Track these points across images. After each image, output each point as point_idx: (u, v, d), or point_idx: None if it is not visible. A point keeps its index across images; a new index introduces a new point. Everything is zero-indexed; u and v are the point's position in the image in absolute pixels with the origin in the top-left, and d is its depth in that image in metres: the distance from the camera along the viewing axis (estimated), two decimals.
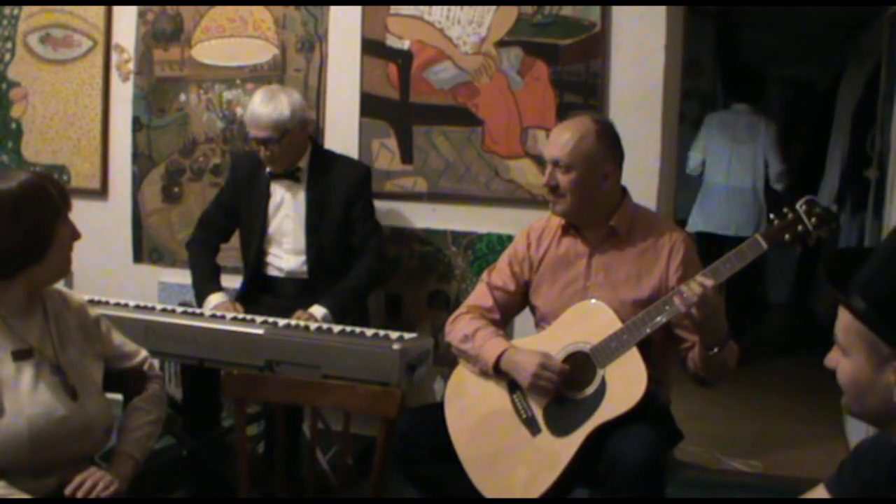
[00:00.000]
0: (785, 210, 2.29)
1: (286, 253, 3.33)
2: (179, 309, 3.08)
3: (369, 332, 2.84)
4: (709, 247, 4.69)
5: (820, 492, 1.52)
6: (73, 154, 4.12)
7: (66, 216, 2.00)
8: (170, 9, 3.92)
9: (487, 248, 3.59)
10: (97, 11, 4.02)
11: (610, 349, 2.31)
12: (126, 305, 3.07)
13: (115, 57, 4.04)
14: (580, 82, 3.43)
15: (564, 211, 2.48)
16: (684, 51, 3.75)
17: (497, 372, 2.43)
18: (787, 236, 2.27)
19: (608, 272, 2.47)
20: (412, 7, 3.61)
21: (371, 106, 3.70)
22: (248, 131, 3.26)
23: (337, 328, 2.91)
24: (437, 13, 3.59)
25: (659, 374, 2.42)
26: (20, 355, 1.94)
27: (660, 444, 2.27)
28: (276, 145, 3.16)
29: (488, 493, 2.37)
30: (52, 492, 1.94)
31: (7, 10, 4.15)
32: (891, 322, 1.22)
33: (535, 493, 2.30)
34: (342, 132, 3.72)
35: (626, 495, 2.19)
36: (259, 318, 2.96)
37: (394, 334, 2.80)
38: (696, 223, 5.28)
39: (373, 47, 3.67)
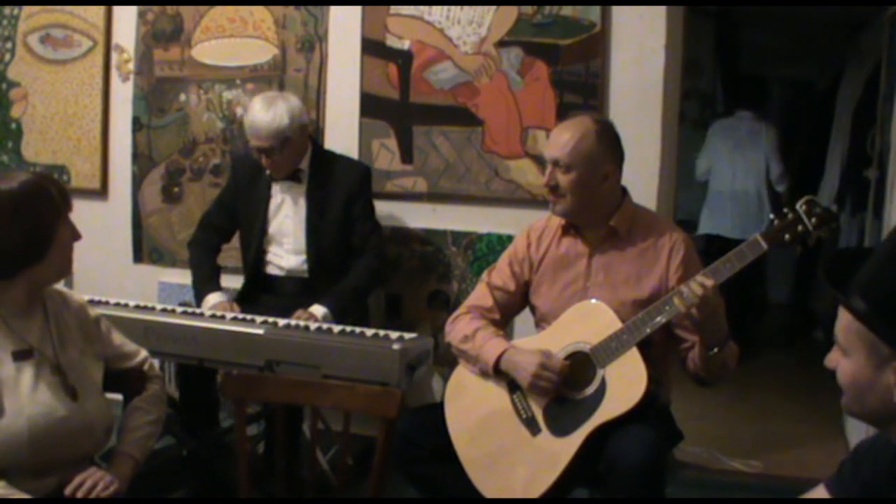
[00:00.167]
0: (785, 210, 2.29)
1: (286, 252, 3.33)
2: (179, 309, 3.08)
3: (369, 332, 2.84)
4: (717, 250, 4.71)
5: (820, 492, 1.52)
6: (73, 154, 4.12)
7: (66, 216, 2.00)
8: (170, 9, 3.92)
9: (487, 248, 3.59)
10: (97, 11, 4.02)
11: (610, 349, 2.31)
12: (126, 305, 3.07)
13: (115, 57, 4.04)
14: (580, 82, 3.43)
15: (564, 211, 2.48)
16: (684, 51, 3.75)
17: (497, 372, 2.43)
18: (787, 236, 2.27)
19: (608, 272, 2.47)
20: (412, 7, 3.61)
21: (371, 106, 3.70)
22: (248, 140, 3.25)
23: (337, 328, 2.91)
24: (437, 13, 3.59)
25: (659, 374, 2.42)
26: (20, 355, 1.94)
27: (660, 444, 2.27)
28: (278, 153, 3.17)
29: (488, 493, 2.37)
30: (52, 492, 1.94)
31: (7, 10, 4.15)
32: (891, 322, 1.22)
33: (535, 493, 2.30)
34: (342, 132, 3.72)
35: (626, 495, 2.19)
36: (259, 318, 2.96)
37: (394, 334, 2.80)
38: (704, 226, 5.49)
39: (373, 47, 3.67)
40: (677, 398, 2.58)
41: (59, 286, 2.11)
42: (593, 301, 2.42)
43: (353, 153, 3.63)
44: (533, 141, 3.51)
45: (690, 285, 2.21)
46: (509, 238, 3.10)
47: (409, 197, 3.68)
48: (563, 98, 3.45)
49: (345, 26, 3.71)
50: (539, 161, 3.42)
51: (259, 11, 3.81)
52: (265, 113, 3.13)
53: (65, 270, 2.02)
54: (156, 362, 2.36)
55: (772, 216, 2.31)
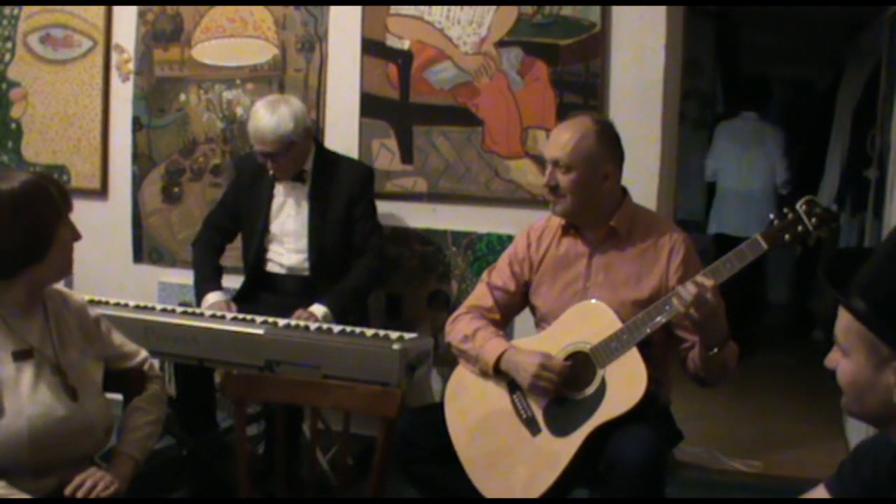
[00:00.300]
0: (785, 210, 2.29)
1: (287, 251, 3.34)
2: (179, 309, 3.08)
3: (369, 332, 2.84)
4: (725, 248, 4.73)
5: (820, 492, 1.52)
6: (73, 154, 4.11)
7: (66, 217, 2.00)
8: (170, 9, 3.92)
9: (487, 248, 3.59)
10: (97, 11, 4.02)
11: (610, 349, 2.31)
12: (126, 305, 3.07)
13: (115, 57, 4.04)
14: (580, 82, 3.43)
15: (564, 211, 2.48)
16: (684, 51, 3.75)
17: (497, 372, 2.43)
18: (787, 236, 2.27)
19: (608, 272, 2.47)
20: (412, 7, 3.61)
21: (371, 106, 3.70)
22: (252, 145, 3.26)
23: (337, 328, 2.91)
24: (437, 13, 3.59)
25: (659, 374, 2.42)
26: (20, 355, 1.94)
27: (660, 444, 2.27)
28: (283, 157, 3.18)
29: (488, 494, 2.37)
30: (52, 492, 1.94)
31: (7, 10, 4.15)
32: (891, 322, 1.22)
33: (535, 493, 2.30)
34: (342, 132, 3.72)
35: (626, 495, 2.19)
36: (259, 318, 2.96)
37: (394, 334, 2.80)
38: (712, 226, 5.66)
39: (373, 47, 3.67)
40: (677, 398, 2.58)
41: (60, 286, 2.11)
42: (593, 301, 2.41)
43: (353, 153, 3.63)
44: (533, 141, 3.51)
45: (690, 286, 2.21)
46: (509, 238, 3.10)
47: (409, 197, 3.68)
48: (563, 98, 3.45)
49: (345, 26, 3.71)
50: (539, 161, 3.42)
51: (259, 11, 3.81)
52: (269, 118, 3.13)
53: (65, 270, 2.02)
54: (156, 362, 2.36)
55: (772, 216, 2.31)
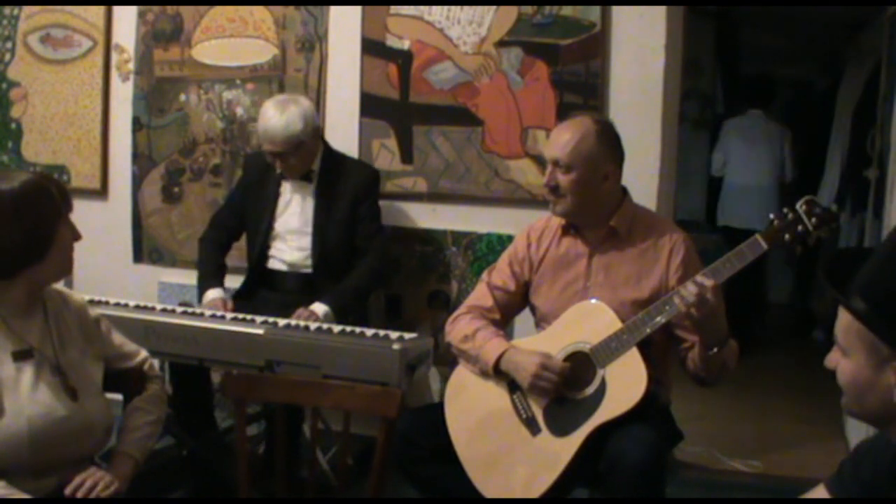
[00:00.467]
0: (785, 210, 2.29)
1: (290, 248, 3.36)
2: (179, 309, 3.08)
3: (369, 332, 2.84)
4: (731, 240, 4.80)
5: (820, 492, 1.52)
6: (73, 154, 4.11)
7: (66, 217, 2.00)
8: (170, 9, 3.92)
9: (487, 248, 3.59)
10: (97, 11, 4.02)
11: (610, 349, 2.31)
12: (126, 305, 3.07)
13: (115, 57, 4.03)
14: (580, 82, 3.43)
15: (565, 211, 2.48)
16: (684, 51, 3.75)
17: (497, 372, 2.43)
18: (787, 236, 2.27)
19: (608, 272, 2.47)
20: (412, 7, 3.61)
21: (371, 106, 3.70)
22: (261, 144, 3.27)
23: (337, 328, 2.91)
24: (437, 13, 3.59)
25: (659, 374, 2.42)
26: (20, 356, 1.94)
27: (660, 444, 2.27)
28: (292, 157, 3.20)
29: (488, 494, 2.37)
30: (52, 492, 1.94)
31: (7, 10, 4.15)
32: (890, 322, 1.22)
33: (535, 493, 2.30)
34: (342, 132, 3.71)
35: (626, 495, 2.19)
36: (259, 318, 2.96)
37: (394, 334, 2.80)
38: (720, 218, 5.83)
39: (373, 47, 3.67)
40: (677, 398, 2.57)
41: (60, 286, 2.11)
42: (593, 301, 2.41)
43: (353, 153, 3.63)
44: (533, 141, 3.51)
45: (690, 285, 2.21)
46: (509, 238, 3.10)
47: (409, 197, 3.68)
48: (563, 98, 3.45)
49: (345, 26, 3.71)
50: (539, 161, 3.42)
51: (259, 11, 3.81)
52: (279, 118, 3.15)
53: (65, 270, 2.02)
54: (156, 362, 2.36)
55: (771, 216, 2.31)
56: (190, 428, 3.17)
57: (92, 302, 2.61)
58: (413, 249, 3.69)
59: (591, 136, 2.42)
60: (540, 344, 2.43)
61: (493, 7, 3.51)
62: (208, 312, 3.07)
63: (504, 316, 2.61)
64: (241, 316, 3.03)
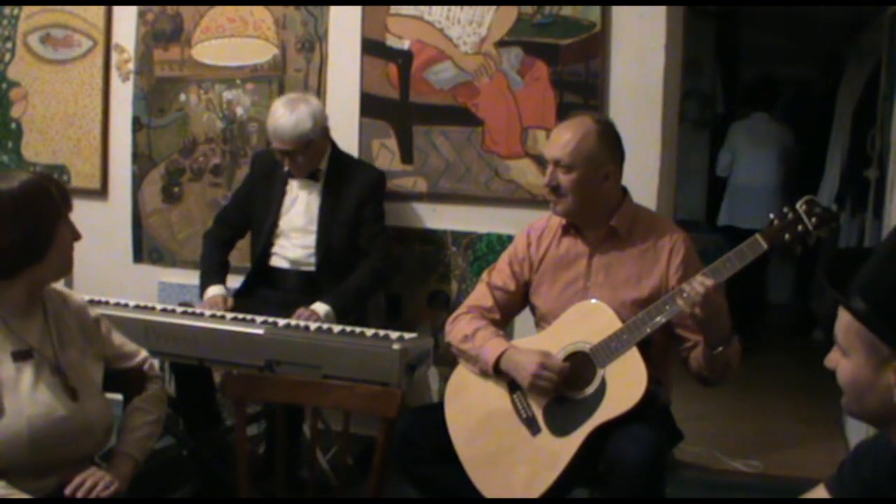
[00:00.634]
0: (785, 210, 2.29)
1: (294, 246, 3.36)
2: (179, 309, 3.09)
3: (369, 332, 2.84)
4: (736, 241, 4.80)
5: (820, 492, 1.52)
6: (73, 154, 4.11)
7: (66, 217, 2.00)
8: (170, 9, 3.92)
9: (487, 248, 3.59)
10: (97, 11, 4.02)
11: (610, 349, 2.31)
12: (126, 305, 3.07)
13: (115, 57, 4.03)
14: (580, 82, 3.43)
15: (565, 211, 2.48)
16: (684, 51, 3.75)
17: (497, 372, 2.43)
18: (787, 236, 2.27)
19: (608, 272, 2.47)
20: (412, 7, 3.61)
21: (371, 106, 3.70)
22: (270, 141, 3.30)
23: (337, 328, 2.91)
24: (437, 13, 3.59)
25: (659, 374, 2.42)
26: (20, 356, 1.94)
27: (660, 444, 2.27)
28: (301, 155, 3.23)
29: (488, 493, 2.37)
30: (52, 492, 1.94)
31: (7, 10, 4.15)
32: (890, 322, 1.22)
33: (535, 493, 2.30)
34: (342, 132, 3.70)
35: (626, 495, 2.19)
36: (259, 318, 2.96)
37: (394, 334, 2.80)
38: (723, 218, 5.84)
39: (373, 47, 3.67)
40: (677, 398, 2.57)
41: (60, 286, 2.11)
42: (593, 301, 2.41)
43: (353, 153, 3.63)
44: (533, 141, 3.51)
45: (694, 284, 2.21)
46: (509, 238, 3.10)
47: (409, 197, 3.68)
48: (563, 98, 3.45)
49: (345, 26, 3.71)
50: (539, 161, 3.42)
51: (259, 11, 3.81)
52: (288, 117, 3.18)
53: (65, 270, 2.02)
54: (156, 362, 2.36)
55: (772, 216, 2.31)
56: (195, 426, 3.18)
57: (92, 302, 2.61)
58: (413, 249, 3.69)
59: (592, 136, 2.42)
60: (540, 344, 2.43)
61: (493, 7, 3.51)
62: (208, 313, 3.07)
63: (504, 316, 2.61)
64: (241, 316, 3.03)
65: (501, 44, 3.52)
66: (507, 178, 3.55)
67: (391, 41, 3.65)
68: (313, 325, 2.95)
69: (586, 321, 2.39)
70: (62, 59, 4.09)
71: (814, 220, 2.25)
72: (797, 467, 3.63)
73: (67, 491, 1.92)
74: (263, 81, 3.82)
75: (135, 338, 2.30)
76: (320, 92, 3.75)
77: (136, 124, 4.02)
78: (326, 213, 3.32)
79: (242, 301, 3.27)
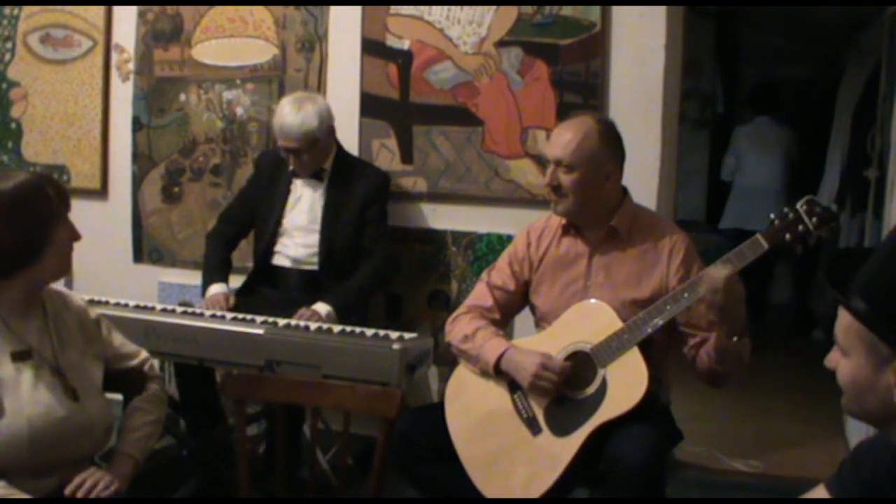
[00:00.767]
0: (785, 210, 2.29)
1: (296, 245, 3.37)
2: (179, 309, 3.09)
3: (369, 332, 2.84)
4: (740, 242, 4.81)
5: (820, 492, 1.52)
6: (73, 154, 4.12)
7: (65, 217, 2.00)
8: (170, 9, 3.92)
9: (487, 248, 3.59)
10: (97, 11, 4.02)
11: (611, 349, 2.31)
12: (126, 305, 3.07)
13: (115, 57, 4.03)
14: (580, 82, 3.43)
15: (566, 211, 2.48)
16: (684, 51, 3.75)
17: (497, 372, 2.43)
18: (787, 236, 2.27)
19: (609, 272, 2.47)
20: (412, 7, 3.61)
21: (371, 106, 3.70)
22: (276, 139, 3.30)
23: (337, 328, 2.92)
24: (437, 13, 3.59)
25: (659, 373, 2.42)
26: (19, 356, 1.94)
27: (660, 444, 2.27)
28: (306, 154, 3.25)
29: (488, 493, 2.37)
30: (52, 492, 1.94)
31: (7, 10, 4.15)
32: (890, 322, 1.22)
33: (536, 493, 2.30)
34: (342, 132, 3.69)
35: (626, 495, 2.19)
36: (259, 318, 2.96)
37: (394, 334, 2.80)
38: (726, 221, 5.92)
39: (373, 47, 3.67)
40: (677, 398, 2.57)
41: (60, 287, 2.11)
42: (593, 301, 2.41)
43: (354, 153, 3.63)
44: (533, 141, 3.51)
45: (718, 269, 2.21)
46: (509, 238, 3.10)
47: (409, 197, 3.68)
48: (563, 98, 3.45)
49: (345, 26, 3.71)
50: (539, 161, 3.42)
51: (259, 11, 3.81)
52: (295, 115, 3.20)
53: (63, 270, 2.02)
54: (156, 362, 2.36)
55: (772, 216, 2.31)
56: (198, 425, 3.18)
57: (92, 302, 2.61)
58: (413, 249, 3.69)
59: (593, 136, 2.42)
60: (540, 344, 2.43)
61: (493, 7, 3.51)
62: (208, 313, 3.07)
63: (504, 316, 2.61)
64: (241, 316, 3.03)
65: (501, 44, 3.52)
66: (507, 178, 3.55)
67: (391, 41, 3.65)
68: (313, 325, 2.95)
69: (587, 321, 2.39)
70: (62, 59, 4.10)
71: (814, 219, 2.26)
72: (797, 467, 3.63)
73: (67, 491, 1.93)
74: (263, 81, 3.82)
75: (135, 338, 2.30)
76: (320, 92, 3.74)
77: (136, 124, 4.02)
78: (330, 213, 3.33)
79: (244, 300, 3.28)
